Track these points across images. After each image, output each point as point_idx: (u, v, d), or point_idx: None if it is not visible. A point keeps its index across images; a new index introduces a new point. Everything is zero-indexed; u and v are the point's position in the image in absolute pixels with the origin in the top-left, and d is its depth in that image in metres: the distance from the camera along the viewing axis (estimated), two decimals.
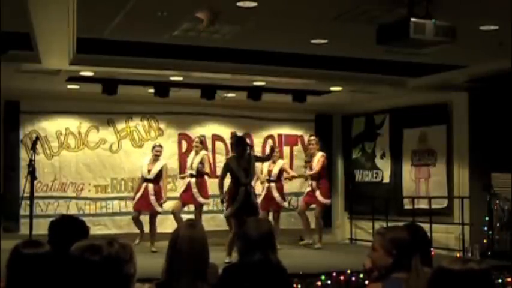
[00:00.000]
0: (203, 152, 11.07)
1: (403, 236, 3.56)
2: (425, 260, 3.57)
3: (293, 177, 11.71)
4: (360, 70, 9.82)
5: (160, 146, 11.14)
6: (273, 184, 11.28)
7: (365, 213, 12.67)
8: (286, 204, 11.54)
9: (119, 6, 6.68)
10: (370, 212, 12.45)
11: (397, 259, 3.48)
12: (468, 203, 10.86)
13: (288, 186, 11.79)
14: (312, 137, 11.78)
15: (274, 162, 11.37)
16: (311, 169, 11.42)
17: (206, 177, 10.98)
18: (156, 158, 10.91)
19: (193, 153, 11.10)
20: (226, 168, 9.60)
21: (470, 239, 10.61)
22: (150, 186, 10.77)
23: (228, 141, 12.34)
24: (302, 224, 11.64)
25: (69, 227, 3.74)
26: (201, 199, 10.76)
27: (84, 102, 11.60)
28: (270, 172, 11.32)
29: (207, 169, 10.91)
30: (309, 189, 11.49)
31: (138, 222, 10.78)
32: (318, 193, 11.37)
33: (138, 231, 10.73)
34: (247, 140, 10.93)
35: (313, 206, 11.63)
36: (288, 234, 11.61)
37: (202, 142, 11.36)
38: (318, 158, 11.38)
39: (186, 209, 10.96)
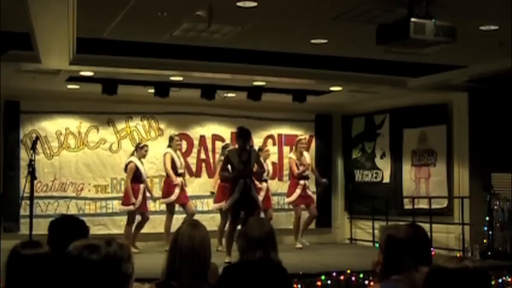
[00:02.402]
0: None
1: (398, 235, 3.55)
2: (426, 260, 3.57)
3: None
4: (360, 70, 9.82)
5: (147, 145, 11.13)
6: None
7: (365, 213, 12.68)
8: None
9: (119, 6, 6.67)
10: (370, 212, 12.46)
11: (389, 258, 3.48)
12: (468, 203, 10.86)
13: (285, 186, 11.86)
14: (303, 136, 12.10)
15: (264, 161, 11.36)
16: (304, 166, 11.45)
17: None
18: (143, 157, 10.87)
19: (178, 152, 11.03)
20: (227, 160, 9.52)
21: (470, 239, 10.61)
22: (144, 187, 10.79)
23: (228, 142, 12.34)
24: (295, 225, 11.58)
25: (69, 227, 3.74)
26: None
27: (84, 102, 11.60)
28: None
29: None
30: (299, 191, 11.45)
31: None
32: (309, 192, 11.53)
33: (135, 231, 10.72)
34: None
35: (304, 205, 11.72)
36: (288, 234, 11.59)
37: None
38: (309, 156, 11.65)
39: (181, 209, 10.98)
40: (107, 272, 2.25)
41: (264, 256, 3.99)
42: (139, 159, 10.77)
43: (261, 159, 11.20)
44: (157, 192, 11.45)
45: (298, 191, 11.42)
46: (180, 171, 10.87)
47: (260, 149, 11.45)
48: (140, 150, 10.85)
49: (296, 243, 11.28)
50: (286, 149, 12.92)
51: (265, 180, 11.38)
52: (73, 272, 2.23)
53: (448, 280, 2.39)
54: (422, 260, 3.45)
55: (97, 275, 2.23)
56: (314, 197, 11.89)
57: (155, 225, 11.32)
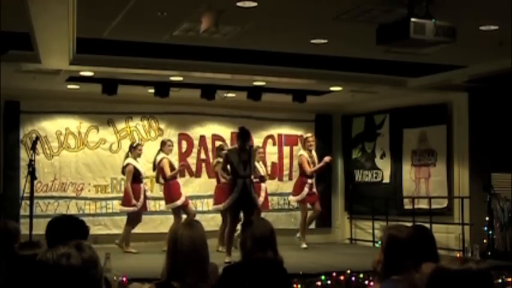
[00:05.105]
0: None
1: (399, 236, 3.54)
2: (431, 259, 3.57)
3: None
4: (360, 70, 9.83)
5: (142, 144, 11.08)
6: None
7: (365, 213, 12.69)
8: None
9: (119, 6, 6.68)
10: (370, 212, 12.47)
11: (389, 258, 3.48)
12: (468, 203, 10.87)
13: (289, 186, 11.79)
14: (309, 134, 11.71)
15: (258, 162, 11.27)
16: (314, 165, 11.30)
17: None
18: (139, 156, 10.79)
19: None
20: (227, 160, 9.47)
21: (470, 239, 10.60)
22: (144, 186, 10.74)
23: (228, 141, 12.33)
24: (302, 224, 11.59)
25: (69, 227, 3.73)
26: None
27: (84, 102, 11.60)
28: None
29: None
30: (307, 190, 11.37)
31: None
32: (314, 189, 11.37)
33: (137, 230, 10.70)
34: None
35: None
36: (288, 234, 11.59)
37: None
38: (316, 156, 11.40)
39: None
40: (87, 276, 2.23)
41: (265, 256, 3.99)
42: (135, 158, 10.69)
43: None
44: (157, 192, 11.42)
45: (306, 190, 11.24)
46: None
47: (254, 149, 11.34)
48: (134, 150, 10.76)
49: (302, 243, 11.26)
50: (286, 149, 12.93)
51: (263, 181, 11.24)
52: (54, 281, 2.21)
53: (451, 281, 2.38)
54: (428, 258, 3.45)
55: (78, 280, 2.21)
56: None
57: (155, 225, 11.35)
